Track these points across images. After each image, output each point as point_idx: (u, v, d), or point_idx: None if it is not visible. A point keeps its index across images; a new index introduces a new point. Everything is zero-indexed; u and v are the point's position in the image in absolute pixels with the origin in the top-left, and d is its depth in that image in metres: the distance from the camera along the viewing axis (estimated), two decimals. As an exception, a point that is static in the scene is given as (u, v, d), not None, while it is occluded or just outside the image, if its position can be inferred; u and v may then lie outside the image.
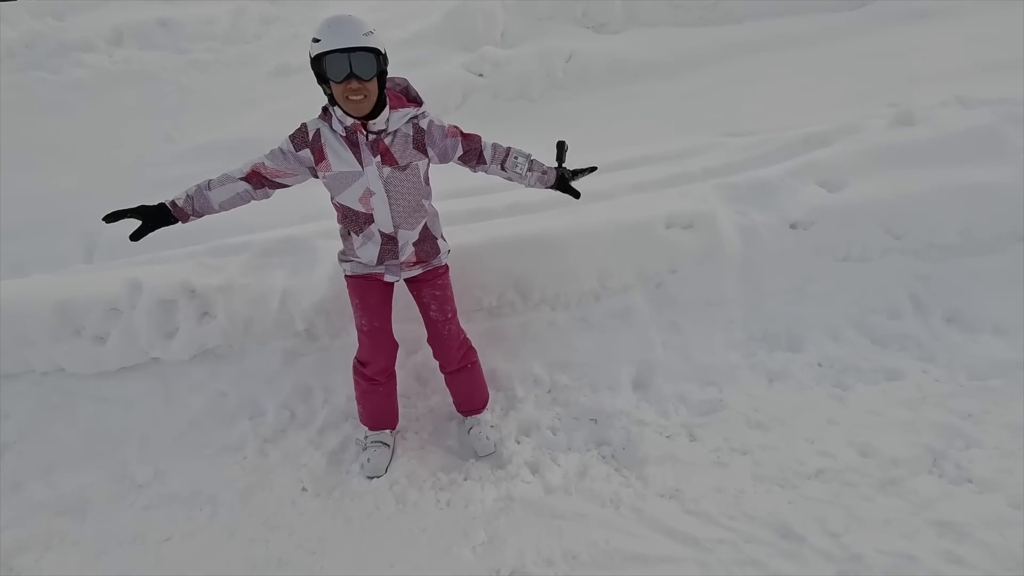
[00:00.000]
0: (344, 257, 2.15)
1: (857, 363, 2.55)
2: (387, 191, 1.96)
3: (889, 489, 1.85)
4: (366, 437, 2.24)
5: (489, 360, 2.58)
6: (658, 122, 4.23)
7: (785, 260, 2.85)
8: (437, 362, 2.27)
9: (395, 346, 2.22)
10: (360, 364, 2.18)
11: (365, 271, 2.12)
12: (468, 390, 2.31)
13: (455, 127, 2.06)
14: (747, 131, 3.91)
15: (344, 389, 2.48)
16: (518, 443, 2.29)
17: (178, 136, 4.44)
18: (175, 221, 1.99)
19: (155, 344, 2.49)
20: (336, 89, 1.80)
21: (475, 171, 2.14)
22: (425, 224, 2.10)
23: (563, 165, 2.17)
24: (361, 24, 1.76)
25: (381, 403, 2.23)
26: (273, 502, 2.03)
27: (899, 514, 1.75)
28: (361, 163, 1.92)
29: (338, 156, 1.93)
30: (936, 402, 2.25)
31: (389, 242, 2.04)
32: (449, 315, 2.19)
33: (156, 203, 1.96)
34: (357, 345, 2.21)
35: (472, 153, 2.07)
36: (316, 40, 1.77)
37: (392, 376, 2.23)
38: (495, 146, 2.09)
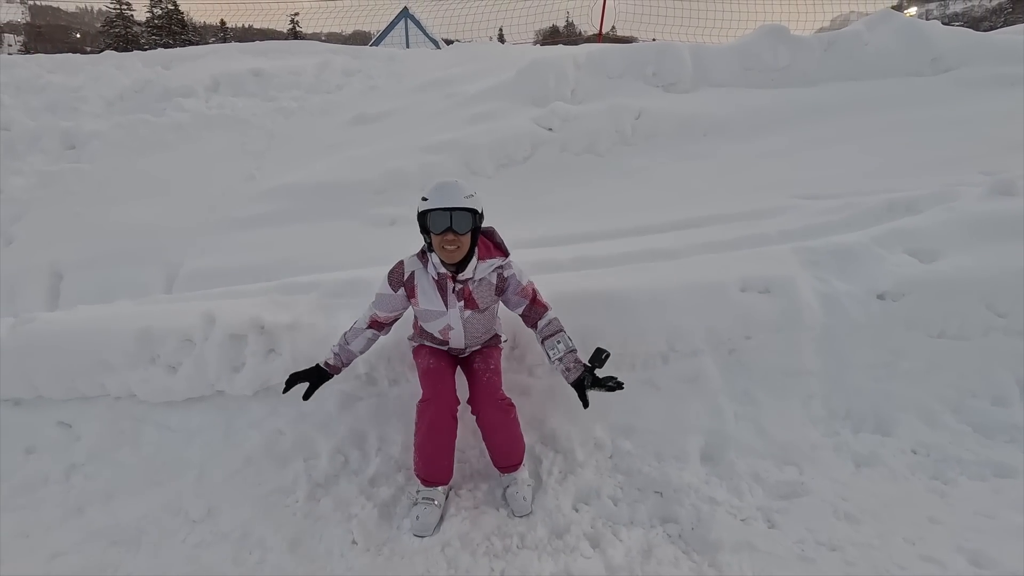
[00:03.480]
0: (413, 340, 2.42)
1: (958, 453, 2.31)
2: (464, 328, 2.24)
3: (1012, 611, 1.60)
4: (418, 492, 2.17)
5: (550, 418, 2.50)
6: (728, 181, 4.14)
7: (872, 333, 2.66)
8: (473, 410, 2.24)
9: (456, 401, 2.21)
10: (424, 403, 2.18)
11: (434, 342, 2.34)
12: (505, 439, 2.23)
13: (530, 288, 2.25)
14: (823, 194, 3.77)
15: (399, 438, 2.43)
16: (576, 511, 2.15)
17: (260, 176, 4.71)
18: (331, 376, 2.33)
19: (222, 377, 2.54)
20: (435, 239, 2.07)
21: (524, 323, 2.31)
22: (496, 339, 2.40)
23: (594, 370, 2.14)
24: (464, 189, 2.06)
25: (439, 448, 2.17)
26: (322, 553, 1.96)
27: (1029, 644, 1.50)
28: (446, 305, 2.19)
29: (427, 296, 2.20)
30: (1060, 508, 1.97)
31: (458, 352, 2.35)
32: (492, 366, 2.26)
33: (314, 366, 2.32)
34: (414, 395, 2.22)
35: (530, 319, 2.25)
36: (424, 199, 2.07)
37: (454, 419, 2.19)
38: (551, 323, 2.22)
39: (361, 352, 2.35)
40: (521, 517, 2.11)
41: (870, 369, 2.61)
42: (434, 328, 2.24)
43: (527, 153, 4.51)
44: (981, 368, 2.60)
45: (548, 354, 2.19)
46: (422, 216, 2.06)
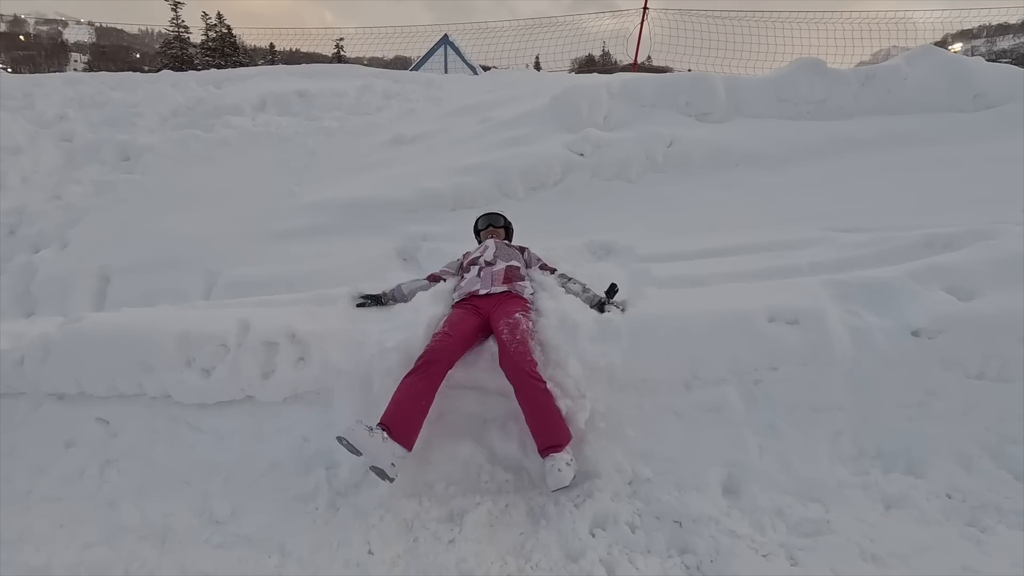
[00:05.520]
0: (455, 291, 2.96)
1: (997, 501, 2.20)
2: (496, 249, 3.13)
3: (1051, 670, 1.51)
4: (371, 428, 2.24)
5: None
6: (759, 212, 4.11)
7: (905, 370, 2.58)
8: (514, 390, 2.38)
9: (451, 361, 2.46)
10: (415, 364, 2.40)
11: (469, 290, 2.84)
12: (544, 417, 2.32)
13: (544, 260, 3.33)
14: (857, 228, 3.71)
15: (420, 452, 2.45)
16: (593, 536, 2.13)
17: (299, 192, 4.88)
18: (383, 303, 3.07)
19: (253, 383, 2.62)
20: (483, 234, 3.56)
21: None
22: (517, 271, 2.97)
23: (610, 298, 2.83)
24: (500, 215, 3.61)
25: (410, 397, 2.31)
26: (339, 561, 1.99)
27: None
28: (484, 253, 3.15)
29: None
30: (1106, 564, 1.86)
31: (488, 266, 2.99)
32: (518, 337, 2.47)
33: (378, 293, 3.11)
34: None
35: (546, 270, 3.20)
36: (478, 218, 3.67)
37: (434, 380, 2.38)
38: (562, 274, 3.12)
39: (409, 295, 3.06)
40: (555, 491, 2.25)
41: (903, 408, 2.53)
42: (477, 254, 3.13)
43: (558, 177, 4.57)
44: (1023, 413, 2.49)
45: (569, 289, 2.98)
46: (476, 224, 3.61)
